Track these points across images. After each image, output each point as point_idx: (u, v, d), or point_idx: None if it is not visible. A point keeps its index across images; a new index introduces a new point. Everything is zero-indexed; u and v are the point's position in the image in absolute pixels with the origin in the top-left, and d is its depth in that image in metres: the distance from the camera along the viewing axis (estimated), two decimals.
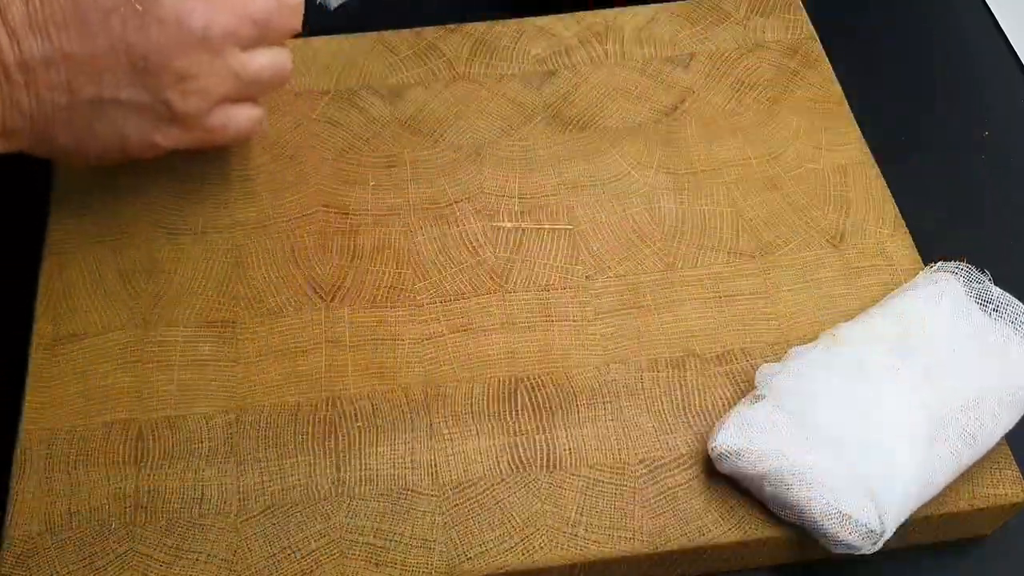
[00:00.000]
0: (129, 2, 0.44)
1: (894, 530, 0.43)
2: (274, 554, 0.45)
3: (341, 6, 0.63)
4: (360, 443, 0.48)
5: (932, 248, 0.54)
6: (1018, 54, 0.66)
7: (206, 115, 0.49)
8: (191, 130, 0.49)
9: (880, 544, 0.43)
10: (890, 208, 0.55)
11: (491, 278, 0.52)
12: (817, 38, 0.63)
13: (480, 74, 0.60)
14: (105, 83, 0.46)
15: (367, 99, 0.59)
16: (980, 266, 0.49)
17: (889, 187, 0.56)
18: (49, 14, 0.44)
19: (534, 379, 0.49)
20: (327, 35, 0.62)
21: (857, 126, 0.59)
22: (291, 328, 0.51)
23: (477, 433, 0.48)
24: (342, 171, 0.56)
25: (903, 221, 0.55)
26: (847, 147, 0.58)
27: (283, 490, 0.46)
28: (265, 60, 0.50)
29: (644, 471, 0.46)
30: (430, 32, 0.62)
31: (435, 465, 0.47)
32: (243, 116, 0.51)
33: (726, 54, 0.62)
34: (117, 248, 0.53)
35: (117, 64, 0.45)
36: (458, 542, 0.45)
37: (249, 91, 0.50)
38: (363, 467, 0.47)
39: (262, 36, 0.49)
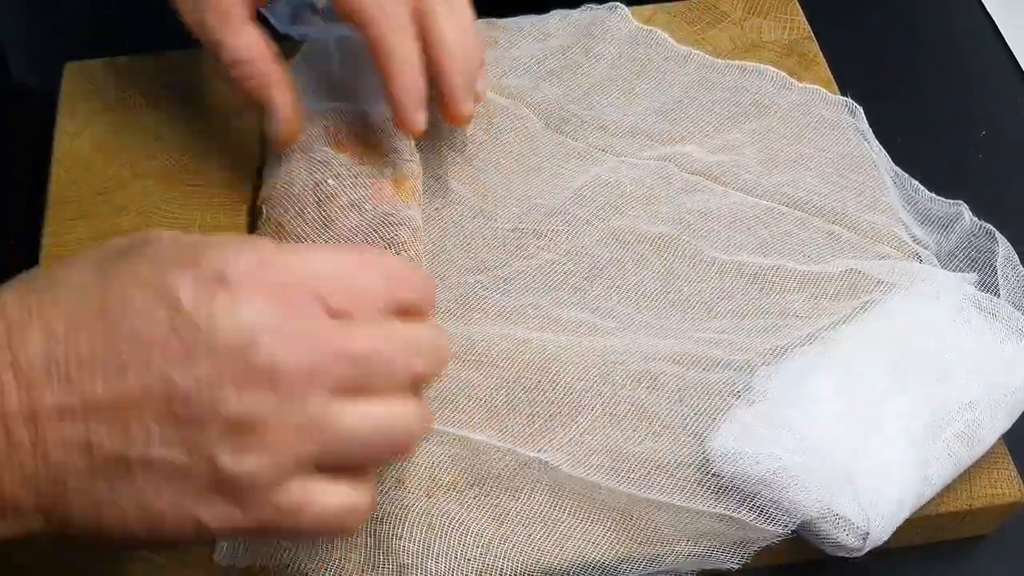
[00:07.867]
0: (177, 334, 0.33)
1: (890, 531, 0.43)
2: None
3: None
4: None
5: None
6: (1014, 54, 0.67)
7: (272, 487, 0.34)
8: (249, 506, 0.34)
9: (876, 545, 0.43)
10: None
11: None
12: (814, 38, 0.63)
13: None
14: (133, 436, 0.33)
15: None
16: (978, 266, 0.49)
17: None
18: (73, 348, 0.33)
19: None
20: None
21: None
22: None
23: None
24: None
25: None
26: None
27: None
28: (374, 415, 0.36)
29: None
30: None
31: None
32: (333, 497, 0.36)
33: (723, 54, 0.62)
34: None
35: (148, 408, 0.33)
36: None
37: (345, 457, 0.36)
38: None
39: (367, 379, 0.36)
